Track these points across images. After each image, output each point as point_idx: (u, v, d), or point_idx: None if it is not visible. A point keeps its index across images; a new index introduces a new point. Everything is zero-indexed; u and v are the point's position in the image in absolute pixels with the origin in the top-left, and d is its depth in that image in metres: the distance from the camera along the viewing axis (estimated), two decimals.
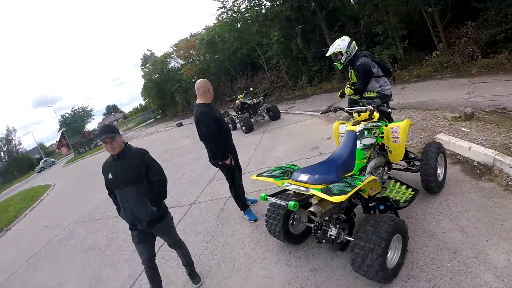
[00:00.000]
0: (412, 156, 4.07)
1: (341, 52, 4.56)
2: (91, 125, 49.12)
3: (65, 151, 49.62)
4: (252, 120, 11.21)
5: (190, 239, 4.86)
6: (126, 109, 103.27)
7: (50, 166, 45.44)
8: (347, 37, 4.66)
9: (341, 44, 4.57)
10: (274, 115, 11.28)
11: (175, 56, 32.94)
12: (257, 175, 3.29)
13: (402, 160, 3.78)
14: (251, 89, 13.84)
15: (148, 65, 37.08)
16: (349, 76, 4.96)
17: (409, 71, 12.25)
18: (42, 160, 48.67)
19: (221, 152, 4.19)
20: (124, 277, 4.66)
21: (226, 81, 25.55)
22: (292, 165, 3.43)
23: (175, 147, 14.07)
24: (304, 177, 2.91)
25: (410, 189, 3.56)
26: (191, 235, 5.04)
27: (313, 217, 2.78)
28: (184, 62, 31.16)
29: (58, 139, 67.40)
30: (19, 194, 21.66)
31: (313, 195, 2.64)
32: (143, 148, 3.24)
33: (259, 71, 22.14)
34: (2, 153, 63.09)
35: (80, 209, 9.82)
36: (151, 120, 44.55)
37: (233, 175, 4.49)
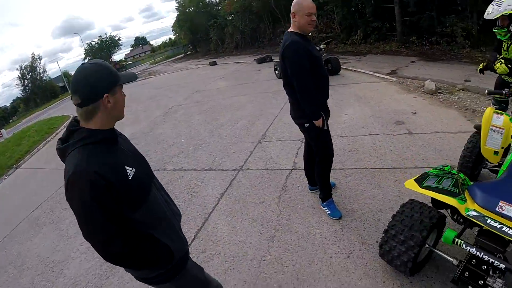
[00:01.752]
0: None
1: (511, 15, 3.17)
2: (118, 56, 48.22)
3: None
4: None
5: (243, 229, 3.50)
6: (155, 42, 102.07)
7: None
8: None
9: None
10: (334, 69, 9.46)
11: None
12: (417, 181, 2.20)
13: None
14: (310, 34, 11.79)
15: None
16: (505, 50, 3.59)
17: (481, 52, 10.17)
18: None
19: (311, 108, 2.87)
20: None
21: (268, 23, 23.15)
22: (449, 166, 2.35)
23: (209, 88, 12.49)
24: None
25: None
26: (243, 221, 3.64)
27: None
28: None
29: None
30: (35, 125, 20.72)
31: None
32: None
33: None
34: (26, 80, 63.74)
35: None
36: (180, 56, 42.53)
37: (324, 143, 3.12)
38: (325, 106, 3.02)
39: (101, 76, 1.41)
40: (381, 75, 8.44)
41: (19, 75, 62.96)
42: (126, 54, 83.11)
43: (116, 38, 43.23)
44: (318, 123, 2.88)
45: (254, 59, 16.22)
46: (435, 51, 11.17)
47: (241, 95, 9.45)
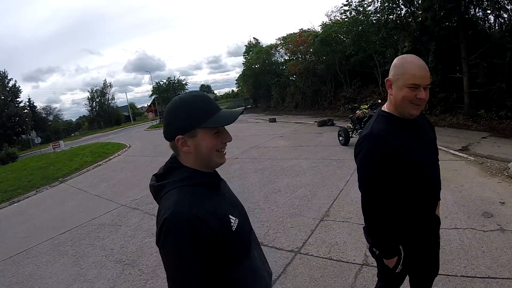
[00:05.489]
0: None
1: None
2: None
3: (151, 116, 51.40)
4: None
5: None
6: (218, 92, 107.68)
7: None
8: None
9: None
10: None
11: (281, 49, 31.32)
12: None
13: None
14: (380, 101, 11.21)
15: (251, 53, 36.13)
16: None
17: None
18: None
19: (378, 240, 1.86)
20: None
21: (330, 87, 23.05)
22: None
23: (267, 145, 11.90)
24: None
25: None
26: None
27: None
28: (288, 58, 29.53)
29: (149, 104, 71.51)
30: (92, 146, 21.59)
31: None
32: None
33: (371, 83, 19.24)
34: (94, 102, 70.22)
35: (144, 188, 8.34)
36: (241, 108, 43.33)
37: (389, 279, 2.02)
38: (413, 232, 1.84)
39: (179, 114, 1.25)
40: (456, 153, 7.62)
41: (89, 96, 69.58)
42: None
43: (183, 82, 45.18)
44: (388, 263, 1.85)
45: (315, 121, 15.75)
46: (505, 126, 10.30)
47: (302, 159, 8.78)
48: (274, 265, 3.72)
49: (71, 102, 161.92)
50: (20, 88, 53.46)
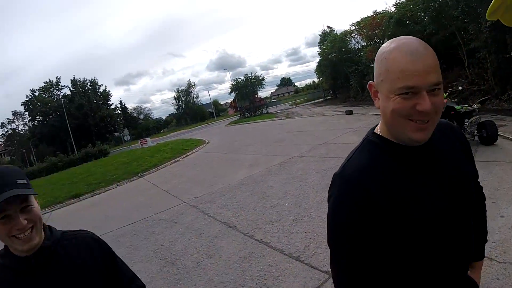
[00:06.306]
0: None
1: None
2: (264, 93, 53.60)
3: (231, 112, 53.31)
4: None
5: None
6: (299, 84, 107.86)
7: None
8: None
9: None
10: (489, 137, 6.71)
11: (356, 35, 29.68)
12: None
13: None
14: (461, 87, 9.33)
15: (326, 42, 34.84)
16: None
17: None
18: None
19: None
20: None
21: None
22: None
23: (337, 141, 10.93)
24: None
25: None
26: None
27: None
28: (365, 43, 27.76)
29: (232, 100, 75.17)
30: (174, 142, 22.90)
31: None
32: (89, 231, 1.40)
33: (456, 66, 16.76)
34: (180, 101, 77.34)
35: (208, 186, 8.68)
36: (320, 100, 42.88)
37: None
38: None
39: None
40: None
41: (175, 96, 77.01)
42: (271, 92, 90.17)
43: (260, 78, 46.06)
44: None
45: None
46: None
47: None
48: (303, 287, 3.32)
49: (161, 102, 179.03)
50: (110, 92, 62.28)
